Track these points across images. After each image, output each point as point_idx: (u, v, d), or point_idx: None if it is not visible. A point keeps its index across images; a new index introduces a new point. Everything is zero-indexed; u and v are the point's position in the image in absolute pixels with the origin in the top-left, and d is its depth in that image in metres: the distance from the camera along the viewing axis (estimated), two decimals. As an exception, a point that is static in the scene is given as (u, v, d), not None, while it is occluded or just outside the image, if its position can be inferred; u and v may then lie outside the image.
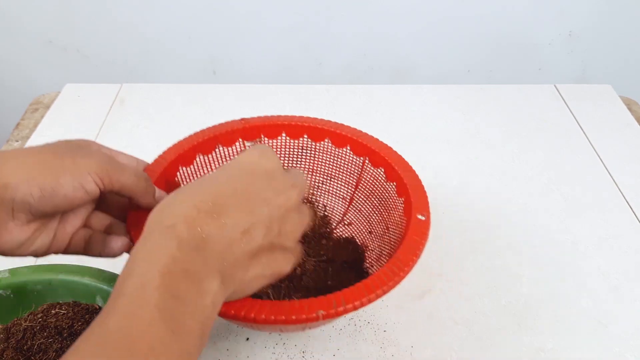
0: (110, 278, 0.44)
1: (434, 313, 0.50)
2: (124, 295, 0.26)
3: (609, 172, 0.67)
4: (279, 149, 0.53)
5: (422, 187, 0.45)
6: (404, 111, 0.78)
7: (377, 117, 0.77)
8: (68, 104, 0.78)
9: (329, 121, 0.52)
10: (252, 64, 1.14)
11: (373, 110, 0.78)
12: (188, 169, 0.50)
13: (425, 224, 0.42)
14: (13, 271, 0.45)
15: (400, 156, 0.48)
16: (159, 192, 0.41)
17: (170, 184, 0.49)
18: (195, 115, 0.76)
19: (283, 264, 0.33)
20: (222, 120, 0.52)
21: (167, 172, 0.48)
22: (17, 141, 0.72)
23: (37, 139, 0.71)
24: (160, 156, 0.49)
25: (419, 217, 0.42)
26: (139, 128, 0.74)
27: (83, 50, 1.12)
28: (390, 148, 0.49)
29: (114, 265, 0.41)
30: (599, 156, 0.70)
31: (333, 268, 0.49)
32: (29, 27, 1.09)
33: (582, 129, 0.75)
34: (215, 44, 1.11)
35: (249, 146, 0.53)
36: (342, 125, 0.52)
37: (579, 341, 0.48)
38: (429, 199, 0.44)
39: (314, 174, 0.54)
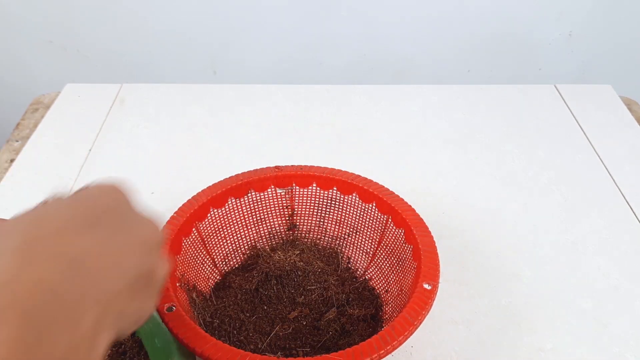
0: None
1: (434, 313, 0.50)
2: None
3: (609, 172, 0.67)
4: (309, 198, 0.56)
5: (436, 253, 0.46)
6: (404, 111, 0.78)
7: (377, 117, 0.77)
8: (68, 104, 0.78)
9: (358, 176, 0.54)
10: (252, 64, 1.14)
11: (373, 110, 0.78)
12: (219, 210, 0.53)
13: (430, 293, 0.42)
14: None
15: (420, 219, 0.49)
16: None
17: (200, 225, 0.51)
18: (195, 115, 0.76)
19: (147, 308, 0.28)
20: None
21: (198, 214, 0.51)
22: (17, 141, 0.72)
23: (37, 139, 0.71)
24: (193, 197, 0.51)
25: (425, 286, 0.43)
26: (139, 128, 0.74)
27: (83, 50, 1.12)
28: (413, 210, 0.50)
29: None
30: (599, 156, 0.70)
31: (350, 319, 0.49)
32: (29, 27, 1.09)
33: (582, 129, 0.75)
34: (215, 44, 1.11)
35: (280, 193, 0.55)
36: (370, 181, 0.54)
37: (579, 341, 0.48)
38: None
39: (341, 225, 0.56)
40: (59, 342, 0.21)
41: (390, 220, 0.52)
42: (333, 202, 0.55)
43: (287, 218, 0.56)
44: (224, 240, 0.54)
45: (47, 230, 0.23)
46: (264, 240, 0.56)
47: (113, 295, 0.24)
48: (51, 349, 0.21)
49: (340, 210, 0.55)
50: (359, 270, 0.54)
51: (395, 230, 0.51)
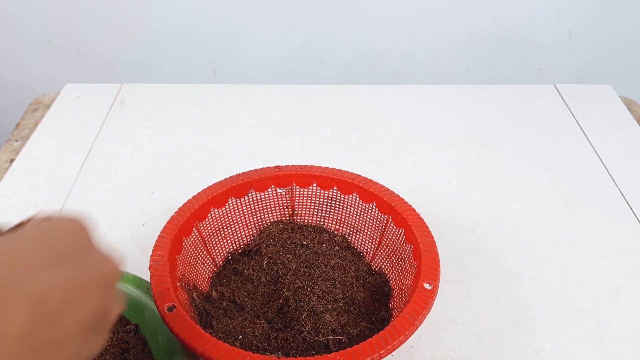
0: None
1: (434, 313, 0.50)
2: None
3: (608, 172, 0.67)
4: (310, 198, 0.56)
5: (437, 253, 0.46)
6: (404, 111, 0.78)
7: (377, 117, 0.77)
8: (68, 104, 0.78)
9: (359, 175, 0.54)
10: (252, 64, 1.15)
11: (373, 110, 0.78)
12: (220, 210, 0.53)
13: (430, 293, 0.42)
14: None
15: (421, 219, 0.49)
16: None
17: (200, 225, 0.51)
18: (195, 115, 0.76)
19: (95, 348, 0.27)
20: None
21: (199, 214, 0.51)
22: (17, 141, 0.72)
23: (37, 139, 0.71)
24: (193, 197, 0.51)
25: (426, 285, 0.43)
26: (139, 128, 0.74)
27: (83, 50, 1.12)
28: (414, 210, 0.50)
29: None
30: (598, 156, 0.70)
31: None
32: (29, 27, 1.09)
33: (582, 129, 0.75)
34: (215, 44, 1.12)
35: (281, 192, 0.56)
36: (370, 180, 0.54)
37: (579, 341, 0.49)
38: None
39: (342, 225, 0.56)
40: None
41: (390, 220, 0.52)
42: (333, 202, 0.55)
43: (288, 218, 0.56)
44: (225, 240, 0.54)
45: (13, 268, 0.23)
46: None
47: (71, 337, 0.24)
48: None
49: (340, 210, 0.56)
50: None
51: (395, 230, 0.51)
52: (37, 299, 0.22)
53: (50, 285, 0.23)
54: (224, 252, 0.54)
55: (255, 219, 0.55)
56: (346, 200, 0.55)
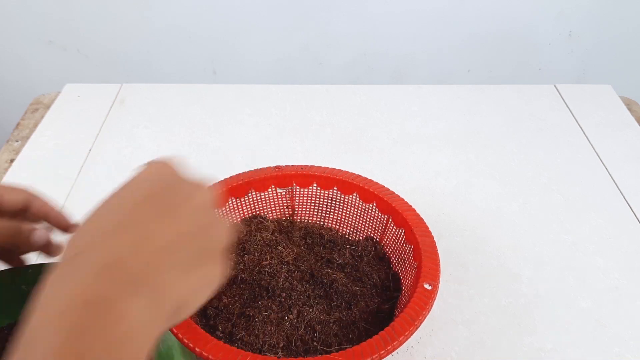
0: None
1: (434, 313, 0.50)
2: (18, 345, 0.22)
3: (608, 172, 0.67)
4: (310, 198, 0.56)
5: (437, 253, 0.46)
6: (404, 111, 0.78)
7: (377, 117, 0.77)
8: (68, 104, 0.78)
9: (359, 176, 0.55)
10: (252, 64, 1.14)
11: (373, 110, 0.78)
12: (220, 210, 0.53)
13: (431, 293, 0.42)
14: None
15: (421, 219, 0.49)
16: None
17: None
18: (195, 115, 0.76)
19: (216, 271, 0.29)
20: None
21: None
22: (17, 141, 0.72)
23: (37, 139, 0.71)
24: None
25: (426, 286, 0.43)
26: (139, 128, 0.74)
27: (83, 50, 1.12)
28: (414, 210, 0.50)
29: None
30: (598, 156, 0.70)
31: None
32: (29, 27, 1.09)
33: (582, 129, 0.75)
34: (215, 44, 1.11)
35: (281, 192, 0.56)
36: (370, 181, 0.54)
37: (579, 341, 0.48)
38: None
39: (342, 225, 0.56)
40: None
41: (390, 220, 0.52)
42: (333, 202, 0.55)
43: (288, 217, 0.56)
44: None
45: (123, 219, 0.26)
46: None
47: (170, 281, 0.26)
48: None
49: (340, 210, 0.55)
50: None
51: (395, 230, 0.51)
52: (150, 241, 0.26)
53: (156, 231, 0.26)
54: None
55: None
56: (346, 200, 0.55)
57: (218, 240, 0.29)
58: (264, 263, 0.48)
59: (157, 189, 0.28)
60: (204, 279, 0.28)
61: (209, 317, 0.46)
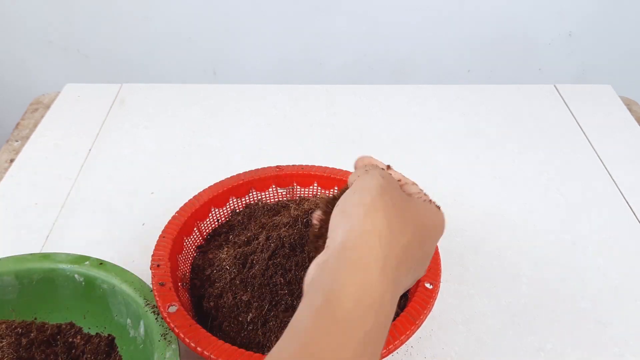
0: (154, 307, 0.43)
1: (434, 313, 0.50)
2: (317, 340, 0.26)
3: (608, 172, 0.67)
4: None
5: (437, 253, 0.46)
6: (404, 111, 0.78)
7: (377, 117, 0.77)
8: (68, 104, 0.78)
9: None
10: (252, 64, 1.14)
11: (373, 110, 0.78)
12: (221, 210, 0.53)
13: (431, 293, 0.42)
14: (98, 262, 0.46)
15: None
16: None
17: (201, 224, 0.51)
18: (195, 115, 0.76)
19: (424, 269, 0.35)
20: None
21: (199, 213, 0.51)
22: (17, 141, 0.72)
23: (37, 139, 0.71)
24: (194, 197, 0.51)
25: (427, 285, 0.43)
26: (139, 128, 0.74)
27: (83, 50, 1.12)
28: None
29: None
30: (598, 156, 0.70)
31: None
32: (29, 27, 1.09)
33: (582, 129, 0.75)
34: (215, 44, 1.12)
35: (281, 192, 0.56)
36: None
37: (579, 341, 0.48)
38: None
39: None
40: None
41: None
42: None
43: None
44: None
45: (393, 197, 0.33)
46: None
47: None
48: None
49: None
50: None
51: None
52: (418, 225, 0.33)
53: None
54: None
55: None
56: None
57: (436, 238, 0.36)
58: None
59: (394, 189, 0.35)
60: (420, 273, 0.34)
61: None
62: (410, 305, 0.41)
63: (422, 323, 0.41)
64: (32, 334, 0.44)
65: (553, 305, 0.52)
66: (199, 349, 0.38)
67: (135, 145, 0.71)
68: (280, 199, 0.56)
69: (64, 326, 0.45)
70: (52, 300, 0.46)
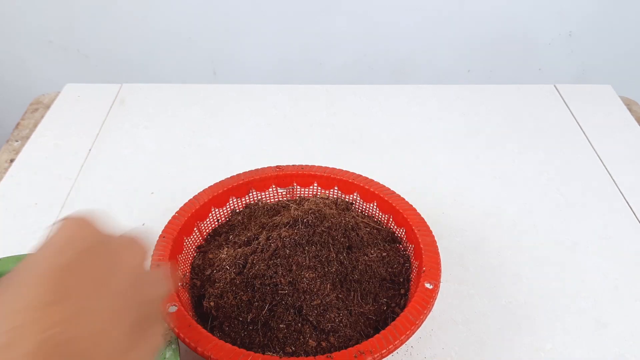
0: None
1: (433, 313, 0.50)
2: None
3: (608, 172, 0.67)
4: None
5: (438, 252, 0.46)
6: (404, 111, 0.78)
7: (377, 117, 0.77)
8: (68, 104, 0.78)
9: (359, 175, 0.55)
10: (252, 64, 1.15)
11: (373, 110, 0.78)
12: (221, 210, 0.53)
13: (432, 293, 0.42)
14: None
15: (422, 219, 0.49)
16: None
17: (201, 224, 0.51)
18: (196, 115, 0.76)
19: (156, 339, 0.28)
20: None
21: (199, 213, 0.51)
22: (17, 141, 0.72)
23: (37, 139, 0.71)
24: (194, 197, 0.51)
25: (427, 285, 0.43)
26: (139, 128, 0.74)
27: (83, 50, 1.12)
28: (415, 209, 0.50)
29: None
30: (598, 156, 0.70)
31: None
32: (29, 27, 1.09)
33: (582, 129, 0.75)
34: (215, 44, 1.12)
35: (281, 192, 0.56)
36: (371, 180, 0.54)
37: (579, 341, 0.48)
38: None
39: None
40: None
41: (391, 219, 0.52)
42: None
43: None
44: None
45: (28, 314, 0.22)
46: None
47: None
48: None
49: None
50: None
51: (397, 229, 0.51)
52: (57, 344, 0.22)
53: (63, 325, 0.23)
54: None
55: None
56: (347, 200, 0.55)
57: (155, 302, 0.28)
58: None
59: (82, 252, 0.26)
60: (145, 349, 0.26)
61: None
62: (410, 305, 0.41)
63: (422, 323, 0.41)
64: None
65: (553, 305, 0.52)
66: (199, 349, 0.38)
67: (135, 145, 0.71)
68: (280, 199, 0.56)
69: None
70: None
